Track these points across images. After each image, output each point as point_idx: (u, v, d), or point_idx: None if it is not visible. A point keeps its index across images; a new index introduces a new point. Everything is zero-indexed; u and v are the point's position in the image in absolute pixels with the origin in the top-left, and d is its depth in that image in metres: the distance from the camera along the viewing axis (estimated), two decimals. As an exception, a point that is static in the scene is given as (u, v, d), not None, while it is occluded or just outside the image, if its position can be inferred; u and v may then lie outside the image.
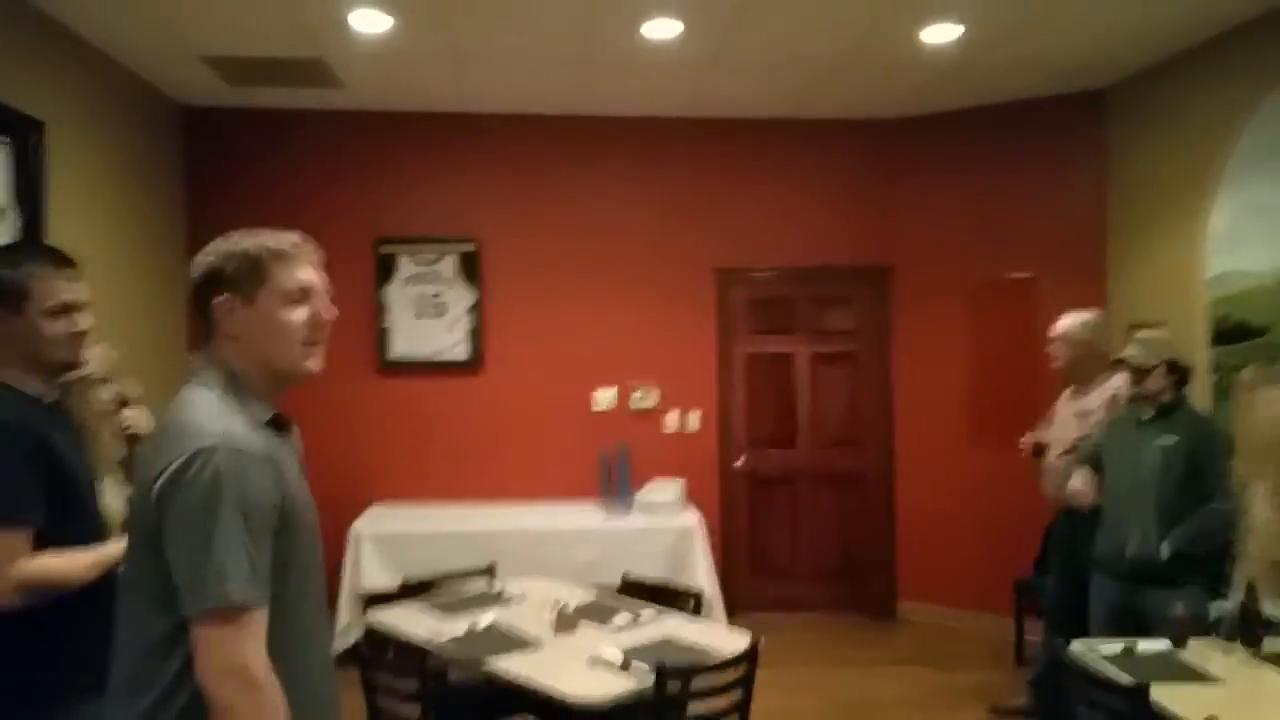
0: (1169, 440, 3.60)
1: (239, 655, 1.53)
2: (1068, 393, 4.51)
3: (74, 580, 2.07)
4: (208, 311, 1.71)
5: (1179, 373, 3.69)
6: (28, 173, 4.04)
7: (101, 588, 2.08)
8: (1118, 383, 4.13)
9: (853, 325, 6.32)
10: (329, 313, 1.77)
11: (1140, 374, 3.67)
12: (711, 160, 6.17)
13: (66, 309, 2.16)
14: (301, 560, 1.70)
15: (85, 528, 2.17)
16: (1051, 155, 5.75)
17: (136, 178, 5.19)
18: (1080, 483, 3.88)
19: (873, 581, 6.28)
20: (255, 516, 1.57)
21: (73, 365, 2.23)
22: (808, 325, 6.30)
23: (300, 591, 1.69)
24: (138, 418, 3.09)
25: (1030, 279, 5.74)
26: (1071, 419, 4.39)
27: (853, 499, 6.32)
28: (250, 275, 1.68)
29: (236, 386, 1.69)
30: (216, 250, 1.72)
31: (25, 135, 4.04)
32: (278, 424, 1.74)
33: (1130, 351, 3.72)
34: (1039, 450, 4.50)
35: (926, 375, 6.12)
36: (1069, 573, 4.22)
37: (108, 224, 4.82)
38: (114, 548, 2.14)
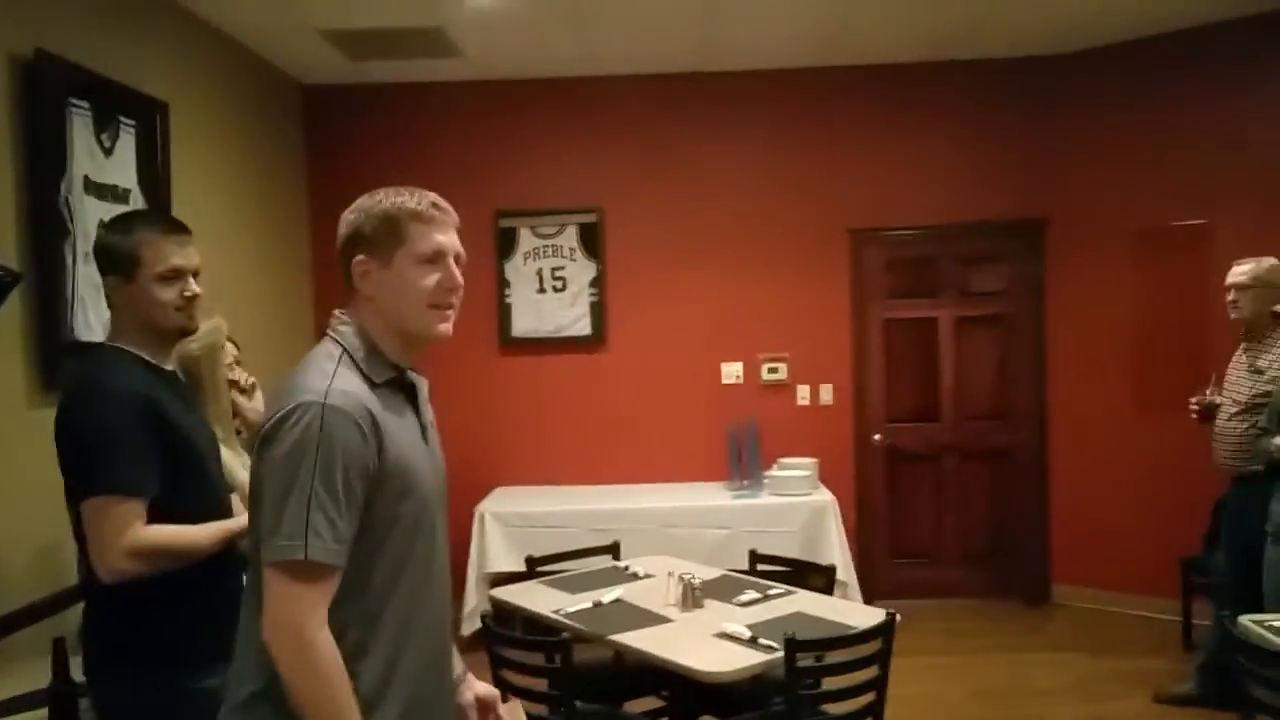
0: None
1: (297, 613, 1.48)
2: (1241, 348, 4.14)
3: (194, 551, 2.03)
4: (349, 271, 1.68)
5: None
6: (153, 155, 4.07)
7: (226, 560, 2.05)
8: None
9: (1002, 285, 5.87)
10: (460, 279, 1.71)
11: None
12: (843, 113, 5.83)
13: (178, 274, 2.12)
14: (403, 527, 1.62)
15: (204, 497, 2.13)
16: (1230, 87, 5.17)
17: (259, 157, 5.23)
18: None
19: (1024, 564, 5.84)
20: (342, 476, 1.51)
21: (187, 331, 2.19)
22: (952, 287, 5.88)
23: (398, 559, 1.61)
24: (251, 387, 3.05)
25: (1203, 225, 5.21)
26: (1245, 376, 4.03)
27: (1002, 475, 5.88)
28: (388, 236, 1.65)
29: (362, 345, 1.65)
30: (360, 208, 1.69)
31: (150, 117, 4.07)
32: (402, 384, 1.69)
33: None
34: (1209, 413, 4.11)
35: (1085, 337, 5.63)
36: (1240, 546, 3.88)
37: (231, 205, 4.86)
38: (239, 519, 2.10)
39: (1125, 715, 4.20)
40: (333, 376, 1.57)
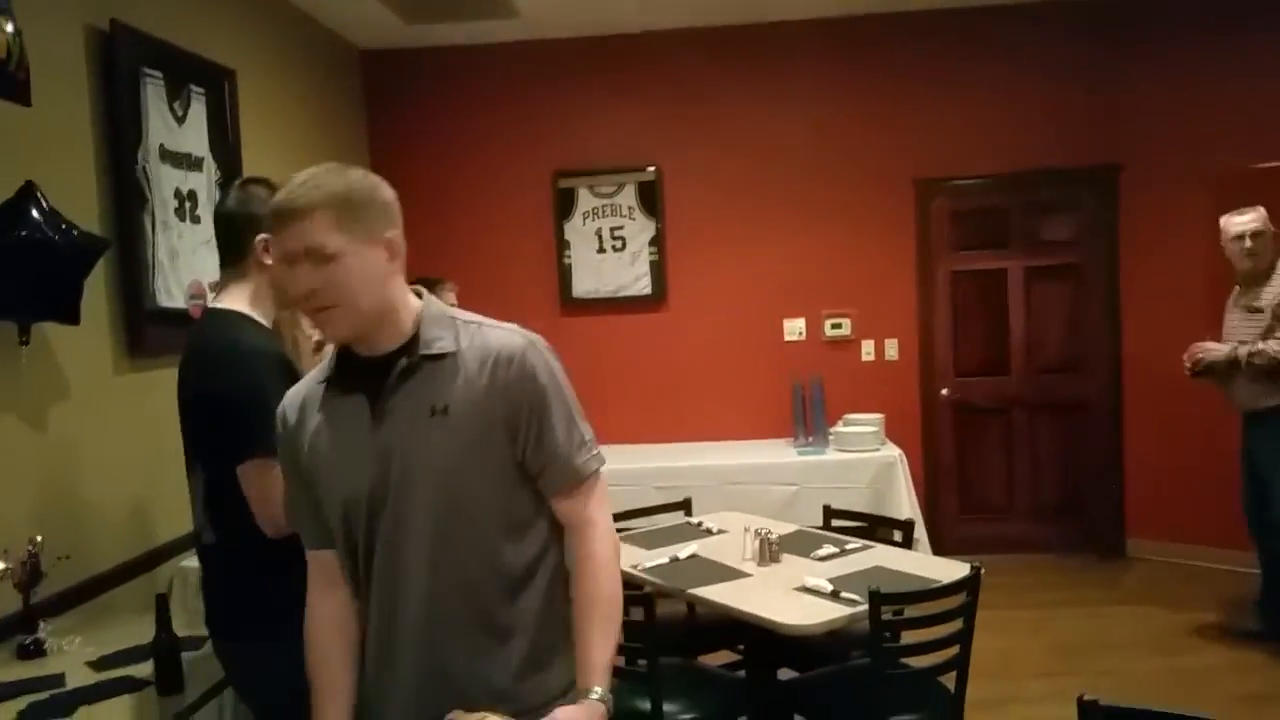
0: None
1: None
2: (1233, 296, 4.36)
3: None
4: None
5: None
6: (223, 122, 4.11)
7: None
8: None
9: (1073, 234, 5.74)
10: (303, 284, 1.55)
11: None
12: (904, 60, 5.69)
13: None
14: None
15: None
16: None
17: (322, 123, 5.26)
18: None
19: (1098, 518, 5.75)
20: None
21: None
22: (1021, 237, 5.76)
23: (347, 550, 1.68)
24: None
25: (1283, 168, 5.04)
26: (1243, 320, 4.26)
27: (1074, 428, 5.78)
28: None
29: None
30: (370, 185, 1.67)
31: (219, 85, 4.11)
32: (358, 372, 1.63)
33: None
34: (1204, 372, 4.31)
35: (1160, 287, 5.48)
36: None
37: (296, 169, 4.88)
38: None
39: (1202, 668, 4.14)
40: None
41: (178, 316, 3.58)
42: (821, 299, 5.80)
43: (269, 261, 2.12)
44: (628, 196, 5.87)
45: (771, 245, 5.80)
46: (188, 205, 3.79)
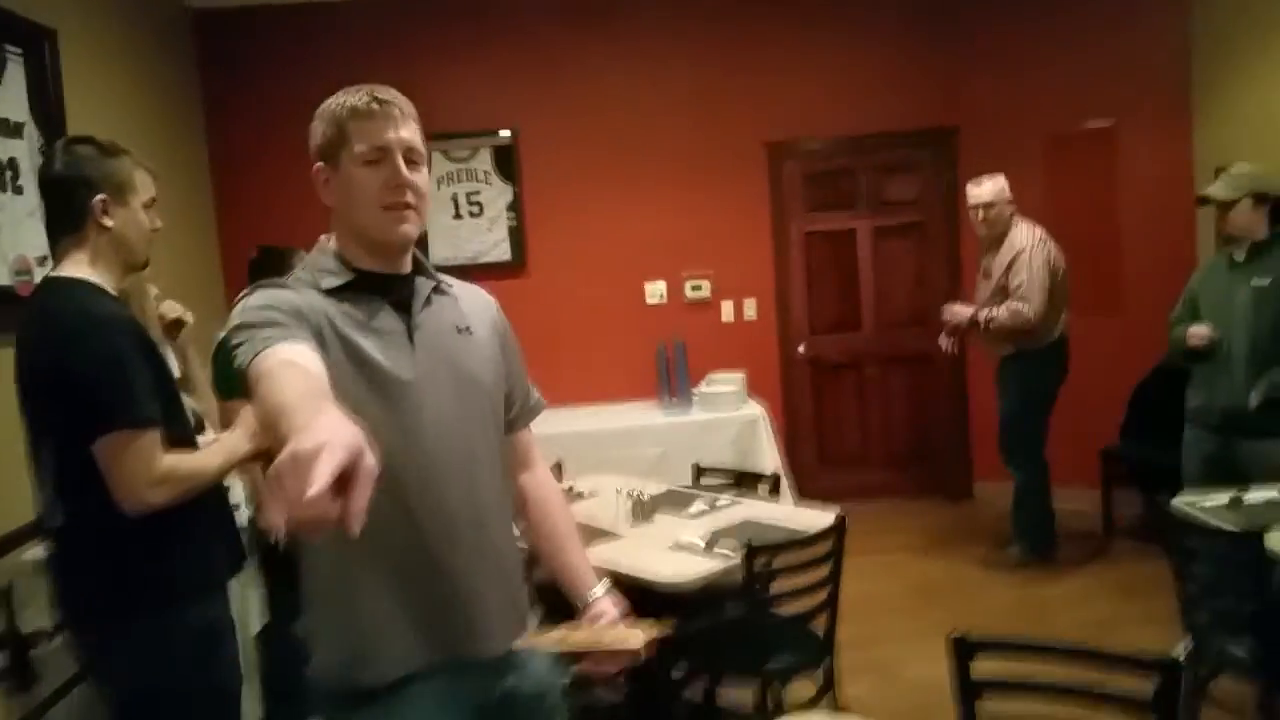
0: (1263, 281, 3.42)
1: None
2: (983, 258, 4.83)
3: (212, 475, 2.02)
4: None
5: (1269, 205, 3.43)
6: (44, 86, 3.82)
7: (217, 486, 2.08)
8: (1022, 240, 4.55)
9: (916, 194, 5.98)
10: (407, 174, 1.58)
11: (1225, 208, 3.48)
12: (756, 24, 5.78)
13: (153, 203, 2.10)
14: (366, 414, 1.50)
15: (185, 424, 2.12)
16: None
17: (152, 85, 4.95)
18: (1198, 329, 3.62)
19: (947, 464, 6.07)
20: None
21: (145, 264, 2.15)
22: (869, 198, 5.97)
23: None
24: (175, 307, 2.94)
25: (1109, 128, 5.37)
26: (981, 282, 4.78)
27: (923, 380, 6.07)
28: (335, 139, 1.58)
29: (322, 256, 1.62)
30: (316, 115, 1.62)
31: (39, 45, 3.81)
32: (375, 288, 1.60)
33: (1211, 188, 3.54)
34: (962, 333, 4.92)
35: (997, 243, 5.77)
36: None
37: (126, 136, 4.57)
38: (238, 443, 2.08)
39: (1054, 597, 4.45)
40: (257, 288, 1.52)
41: (2, 294, 3.33)
42: (681, 261, 5.87)
43: (110, 223, 2.00)
44: (483, 161, 5.77)
45: (631, 209, 5.81)
46: (8, 175, 3.51)
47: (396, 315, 1.61)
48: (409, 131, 1.59)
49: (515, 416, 1.83)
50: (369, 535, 1.44)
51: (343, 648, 1.57)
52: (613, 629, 1.70)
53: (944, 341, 5.03)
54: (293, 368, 1.30)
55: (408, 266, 1.66)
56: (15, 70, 3.63)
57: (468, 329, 1.69)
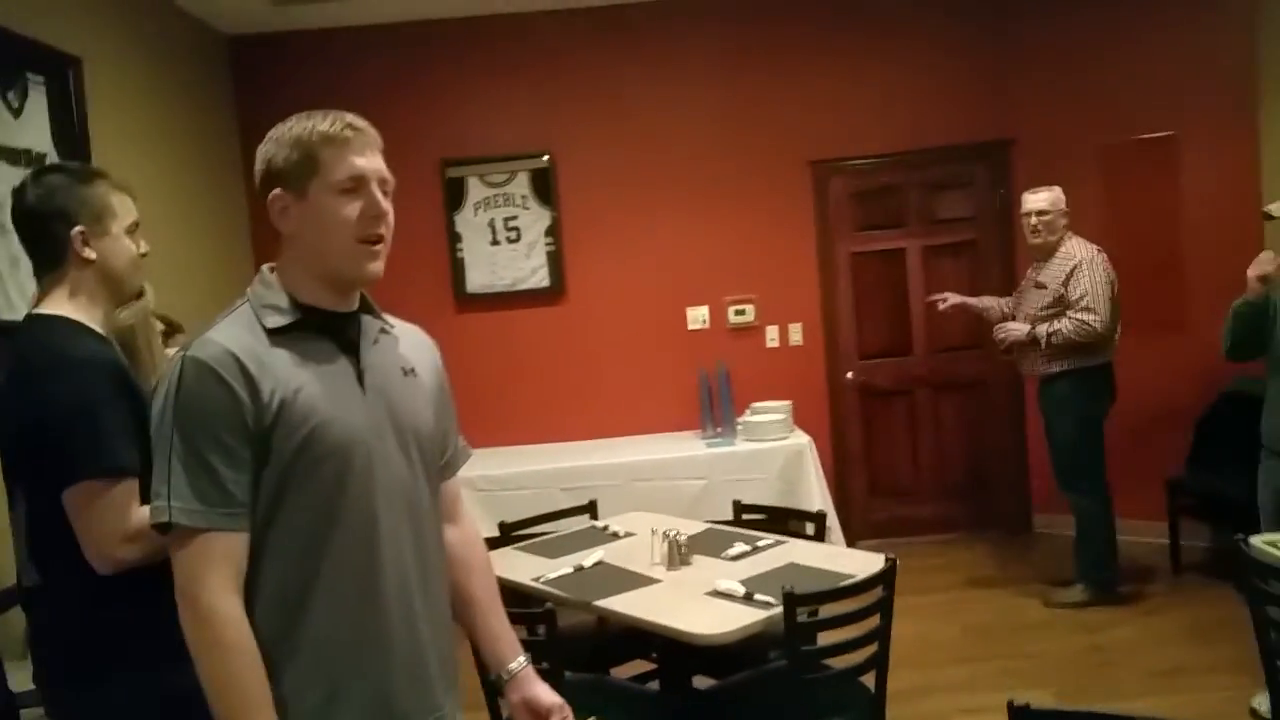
0: None
1: (187, 580, 1.41)
2: (1031, 270, 4.66)
3: None
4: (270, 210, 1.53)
5: None
6: (68, 115, 3.76)
7: None
8: (1079, 252, 4.37)
9: (969, 211, 5.72)
10: (385, 205, 1.53)
11: None
12: (797, 40, 5.59)
13: (136, 227, 1.95)
14: (320, 479, 1.46)
15: None
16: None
17: (186, 114, 4.89)
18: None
19: (1004, 495, 5.78)
20: (206, 432, 1.40)
21: (140, 293, 2.01)
22: (919, 216, 5.72)
23: (325, 513, 1.46)
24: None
25: (1170, 138, 5.10)
26: (1031, 295, 4.57)
27: (978, 407, 5.79)
28: (301, 165, 1.49)
29: (267, 292, 1.52)
30: (271, 138, 1.54)
31: (63, 73, 3.75)
32: (323, 329, 1.53)
33: (1275, 205, 3.36)
34: (1008, 350, 4.69)
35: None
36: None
37: (159, 166, 4.54)
38: None
39: (1121, 641, 4.14)
40: (214, 328, 1.47)
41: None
42: (724, 286, 5.68)
43: (91, 255, 1.87)
44: (520, 185, 5.64)
45: (672, 232, 5.65)
46: (28, 206, 3.43)
47: (345, 357, 1.54)
48: (381, 162, 1.54)
49: (445, 464, 1.74)
50: (326, 590, 1.46)
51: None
52: None
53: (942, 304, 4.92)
54: (240, 654, 1.39)
55: (356, 303, 1.58)
56: (38, 99, 3.56)
57: (412, 370, 1.63)
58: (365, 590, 1.50)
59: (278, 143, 1.51)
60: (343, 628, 1.48)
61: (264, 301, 1.51)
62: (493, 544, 3.67)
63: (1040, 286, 4.50)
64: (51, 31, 3.66)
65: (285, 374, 1.45)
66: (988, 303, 4.94)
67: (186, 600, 1.40)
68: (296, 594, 1.45)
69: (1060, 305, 4.40)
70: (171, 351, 2.71)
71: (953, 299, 4.88)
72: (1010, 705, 1.76)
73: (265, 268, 1.57)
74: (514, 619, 2.82)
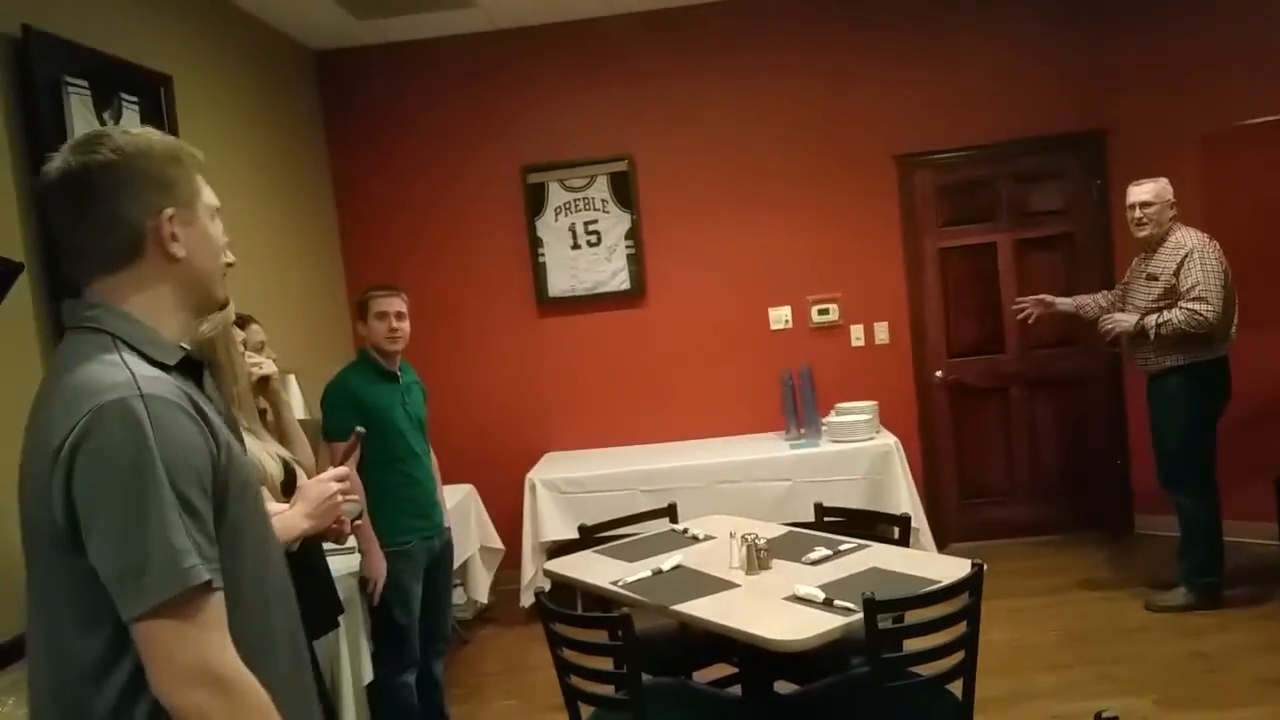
0: None
1: (204, 654, 1.23)
2: (1137, 261, 4.48)
3: None
4: (128, 229, 1.36)
5: None
6: (160, 130, 3.89)
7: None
8: (1190, 241, 4.18)
9: (1063, 203, 5.52)
10: None
11: None
12: (878, 33, 5.47)
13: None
14: (256, 529, 1.42)
15: None
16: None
17: (274, 128, 5.02)
18: None
19: (1104, 496, 5.56)
20: (192, 476, 1.26)
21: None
22: (1010, 209, 5.53)
23: (259, 565, 1.41)
24: (266, 362, 2.87)
25: (1276, 122, 4.83)
26: (1139, 286, 4.40)
27: (1075, 404, 5.58)
28: (190, 186, 1.41)
29: (138, 329, 1.36)
30: (150, 153, 1.36)
31: (154, 92, 3.88)
32: (190, 366, 1.43)
33: None
34: (1114, 342, 4.55)
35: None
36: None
37: (249, 180, 4.67)
38: (293, 523, 1.97)
39: (1226, 647, 3.94)
40: (126, 365, 1.28)
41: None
42: (807, 284, 5.59)
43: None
44: (600, 189, 5.65)
45: (752, 232, 5.58)
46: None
47: (209, 399, 1.45)
48: None
49: None
50: (270, 641, 1.41)
51: None
52: None
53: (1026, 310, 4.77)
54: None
55: None
56: (131, 117, 3.69)
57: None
58: (293, 630, 1.50)
59: (159, 159, 1.37)
60: (282, 677, 1.40)
61: (144, 337, 1.35)
62: (572, 547, 3.69)
63: (1152, 278, 4.30)
64: (142, 51, 3.78)
65: (209, 414, 1.36)
66: (1082, 300, 4.74)
67: (206, 679, 1.22)
68: (254, 648, 1.33)
69: (1172, 297, 4.21)
70: (254, 357, 2.78)
71: (1035, 307, 4.73)
72: (1098, 717, 1.68)
73: (94, 301, 1.37)
74: (592, 623, 2.84)
